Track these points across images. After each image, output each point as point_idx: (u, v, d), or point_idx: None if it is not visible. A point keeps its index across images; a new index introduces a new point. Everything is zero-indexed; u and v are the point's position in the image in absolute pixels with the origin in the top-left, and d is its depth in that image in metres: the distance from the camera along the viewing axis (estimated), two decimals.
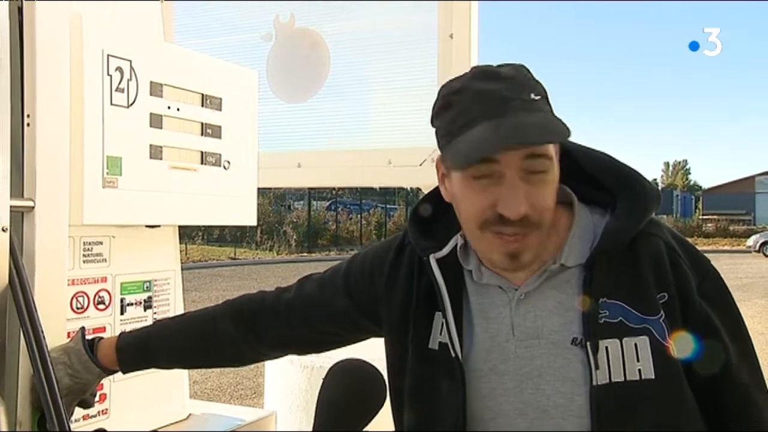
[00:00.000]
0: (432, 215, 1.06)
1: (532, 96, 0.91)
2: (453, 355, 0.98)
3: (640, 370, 0.91)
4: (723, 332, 0.96)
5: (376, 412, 0.96)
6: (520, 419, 0.95)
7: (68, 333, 1.25)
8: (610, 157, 1.04)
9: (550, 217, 0.94)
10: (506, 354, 0.97)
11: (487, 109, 0.90)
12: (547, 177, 0.92)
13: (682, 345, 0.93)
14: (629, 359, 0.92)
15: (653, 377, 0.91)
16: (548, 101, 0.94)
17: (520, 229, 0.92)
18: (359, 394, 0.96)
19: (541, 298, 0.97)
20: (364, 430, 0.97)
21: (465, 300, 1.02)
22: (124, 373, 1.24)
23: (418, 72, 2.00)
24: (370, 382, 0.97)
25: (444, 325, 1.00)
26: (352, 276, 1.15)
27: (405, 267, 1.09)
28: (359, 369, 0.99)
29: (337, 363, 1.00)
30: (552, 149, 0.93)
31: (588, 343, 0.92)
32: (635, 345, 0.92)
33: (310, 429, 0.95)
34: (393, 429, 1.08)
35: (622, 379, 0.91)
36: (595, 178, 1.02)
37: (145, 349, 1.22)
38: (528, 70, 0.96)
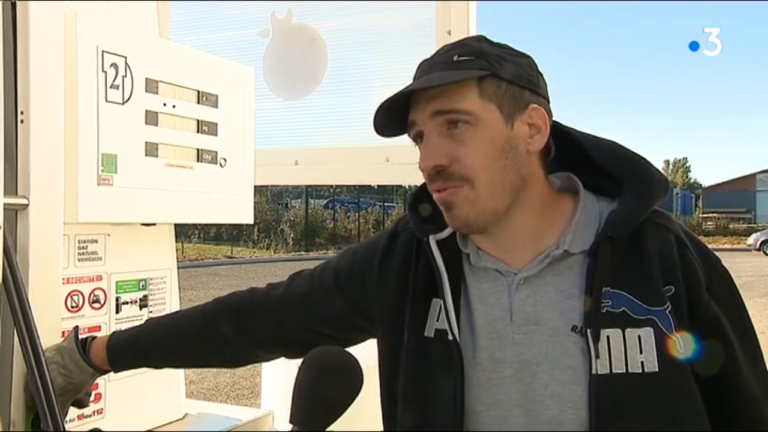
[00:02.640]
0: (431, 200, 1.06)
1: (455, 57, 0.95)
2: (450, 338, 0.96)
3: (642, 362, 0.90)
4: (731, 333, 0.95)
5: (354, 398, 0.94)
6: (516, 410, 0.93)
7: (63, 332, 1.25)
8: (618, 144, 1.03)
9: (488, 175, 0.94)
10: (504, 341, 0.95)
11: (414, 77, 0.99)
12: (470, 132, 0.93)
13: (687, 344, 0.91)
14: (632, 350, 0.90)
15: (656, 370, 0.89)
16: (485, 58, 0.94)
17: (444, 183, 0.95)
18: (337, 380, 0.94)
19: (542, 284, 0.96)
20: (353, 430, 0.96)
21: (463, 284, 1.00)
22: (115, 372, 1.23)
23: (415, 69, 1.99)
24: (346, 368, 0.95)
25: (441, 310, 0.99)
26: (343, 272, 1.13)
27: (399, 254, 1.07)
28: (335, 355, 0.97)
29: (311, 351, 0.97)
30: (470, 105, 0.93)
31: (588, 331, 0.90)
32: (639, 336, 0.90)
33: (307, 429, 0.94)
34: (381, 428, 1.06)
35: (624, 370, 0.89)
36: (603, 167, 1.01)
37: (135, 348, 1.21)
38: (479, 39, 0.99)
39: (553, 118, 1.01)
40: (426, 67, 0.98)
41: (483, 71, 0.93)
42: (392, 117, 0.98)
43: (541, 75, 1.00)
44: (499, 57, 0.95)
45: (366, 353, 1.07)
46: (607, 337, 0.90)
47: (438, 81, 0.94)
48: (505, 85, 0.95)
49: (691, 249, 0.97)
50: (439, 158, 0.93)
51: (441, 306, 0.99)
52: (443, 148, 0.94)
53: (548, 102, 1.00)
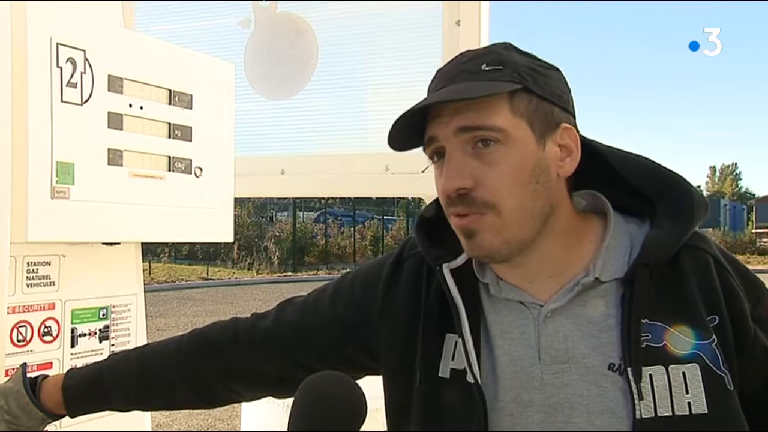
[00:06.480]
0: (441, 222, 1.06)
1: (483, 67, 0.96)
2: (471, 381, 0.97)
3: (690, 403, 0.91)
4: None
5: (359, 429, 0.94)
6: None
7: (7, 371, 1.25)
8: (650, 160, 1.05)
9: (516, 201, 0.95)
10: (531, 381, 0.97)
11: (435, 85, 1.00)
12: (501, 152, 0.94)
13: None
14: (677, 390, 0.92)
15: (706, 412, 0.91)
16: (516, 70, 0.96)
17: (467, 208, 0.95)
18: (339, 412, 0.93)
19: (571, 317, 0.97)
20: None
21: (482, 318, 1.01)
22: (72, 417, 1.22)
23: (420, 64, 2.01)
24: (349, 395, 0.94)
25: (458, 348, 1.00)
26: (341, 299, 1.14)
27: (405, 283, 1.09)
28: (335, 382, 0.96)
29: (307, 380, 0.96)
30: (501, 121, 0.94)
31: (629, 369, 0.92)
32: (683, 374, 0.92)
33: None
34: None
35: (670, 413, 0.91)
36: (632, 185, 1.03)
37: (96, 388, 1.21)
38: (507, 47, 1.00)
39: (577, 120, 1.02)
40: (449, 76, 0.98)
41: (515, 84, 0.95)
42: (406, 129, 0.99)
43: (570, 90, 1.02)
44: (530, 69, 0.97)
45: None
46: (650, 375, 0.92)
47: (469, 93, 0.94)
48: (536, 100, 0.96)
49: (731, 272, 0.99)
50: (464, 180, 0.94)
51: (457, 342, 1.00)
52: (468, 168, 0.95)
53: (575, 119, 1.02)
